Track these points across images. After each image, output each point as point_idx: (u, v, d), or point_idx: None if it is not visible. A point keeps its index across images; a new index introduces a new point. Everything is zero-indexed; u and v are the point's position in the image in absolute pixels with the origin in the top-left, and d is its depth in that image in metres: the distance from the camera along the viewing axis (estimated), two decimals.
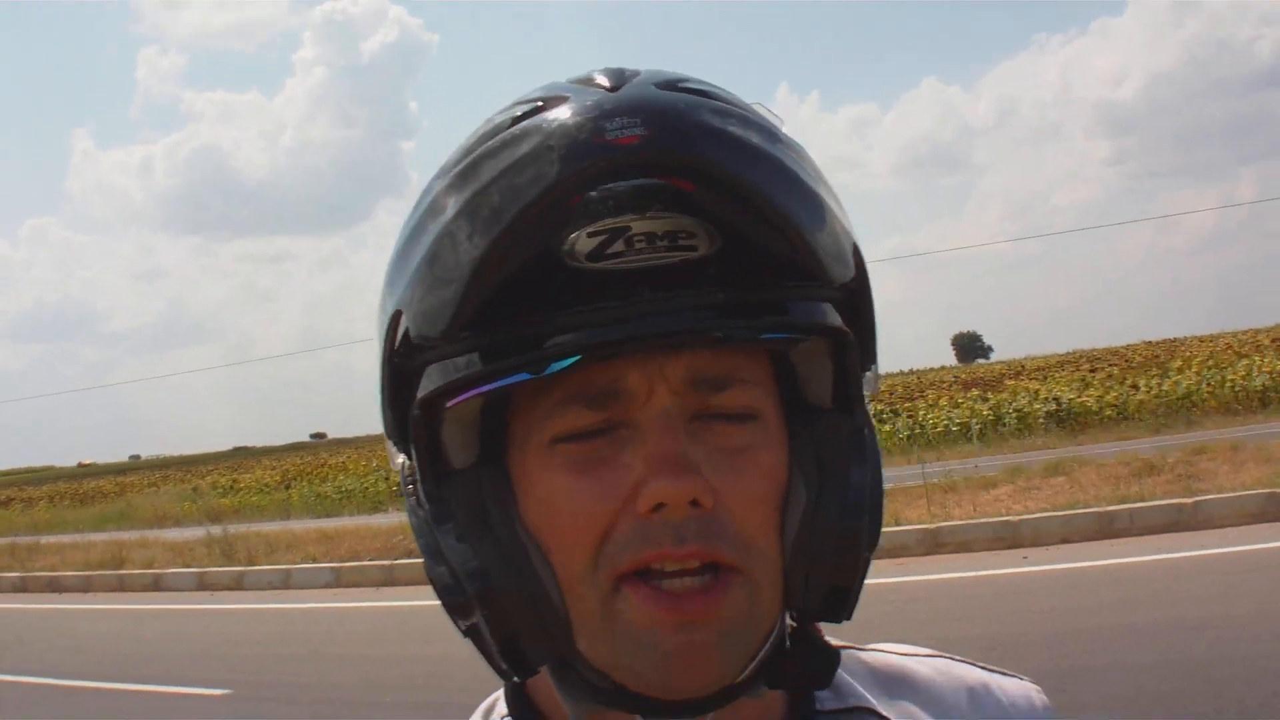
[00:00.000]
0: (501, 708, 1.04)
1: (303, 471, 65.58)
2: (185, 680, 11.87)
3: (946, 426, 35.02)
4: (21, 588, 23.44)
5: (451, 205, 0.87)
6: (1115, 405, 33.16)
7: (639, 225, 0.84)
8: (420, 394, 0.89)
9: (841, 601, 0.92)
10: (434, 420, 0.90)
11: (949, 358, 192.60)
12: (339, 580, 18.71)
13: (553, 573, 0.88)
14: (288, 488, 50.47)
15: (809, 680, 0.96)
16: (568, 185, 0.83)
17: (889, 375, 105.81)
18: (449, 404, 0.89)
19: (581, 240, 0.84)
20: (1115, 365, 50.30)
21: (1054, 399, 35.36)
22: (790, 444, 0.92)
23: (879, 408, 44.10)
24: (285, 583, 19.36)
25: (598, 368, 0.86)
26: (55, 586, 22.82)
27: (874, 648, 1.11)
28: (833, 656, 0.97)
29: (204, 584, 20.41)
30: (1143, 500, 14.69)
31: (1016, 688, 1.10)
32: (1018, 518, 14.96)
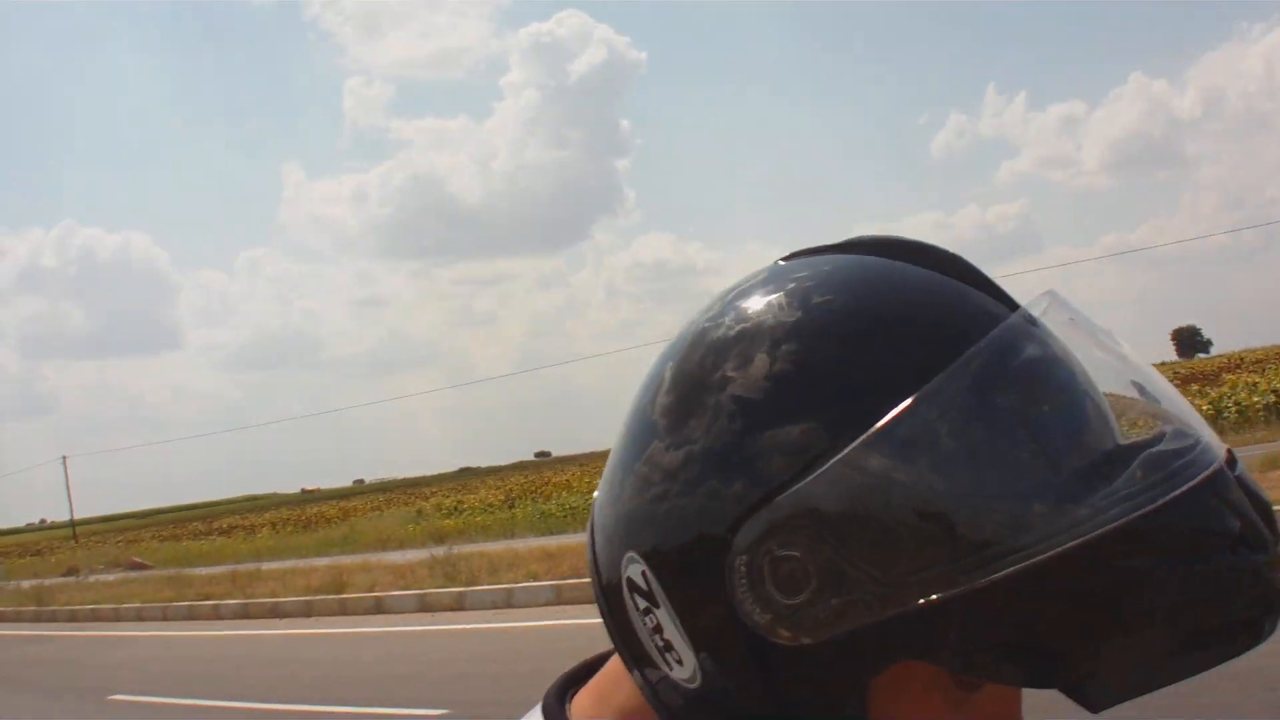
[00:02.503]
0: None
1: (527, 490, 66.72)
2: (402, 702, 12.21)
3: None
4: (243, 614, 24.23)
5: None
6: None
7: None
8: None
9: None
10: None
11: (1169, 353, 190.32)
12: (560, 598, 18.88)
13: None
14: (512, 507, 51.35)
15: None
16: (1247, 644, 0.76)
17: None
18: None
19: (1266, 628, 0.77)
20: None
21: (1274, 391, 34.83)
22: None
23: None
24: (507, 602, 19.61)
25: None
26: (277, 612, 23.50)
27: None
28: None
29: (425, 605, 20.81)
30: None
31: None
32: None
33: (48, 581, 40.40)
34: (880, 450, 0.76)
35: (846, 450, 0.76)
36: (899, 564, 0.74)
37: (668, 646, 0.84)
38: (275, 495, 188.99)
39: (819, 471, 0.76)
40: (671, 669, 0.85)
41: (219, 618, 24.64)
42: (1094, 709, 0.76)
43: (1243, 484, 0.76)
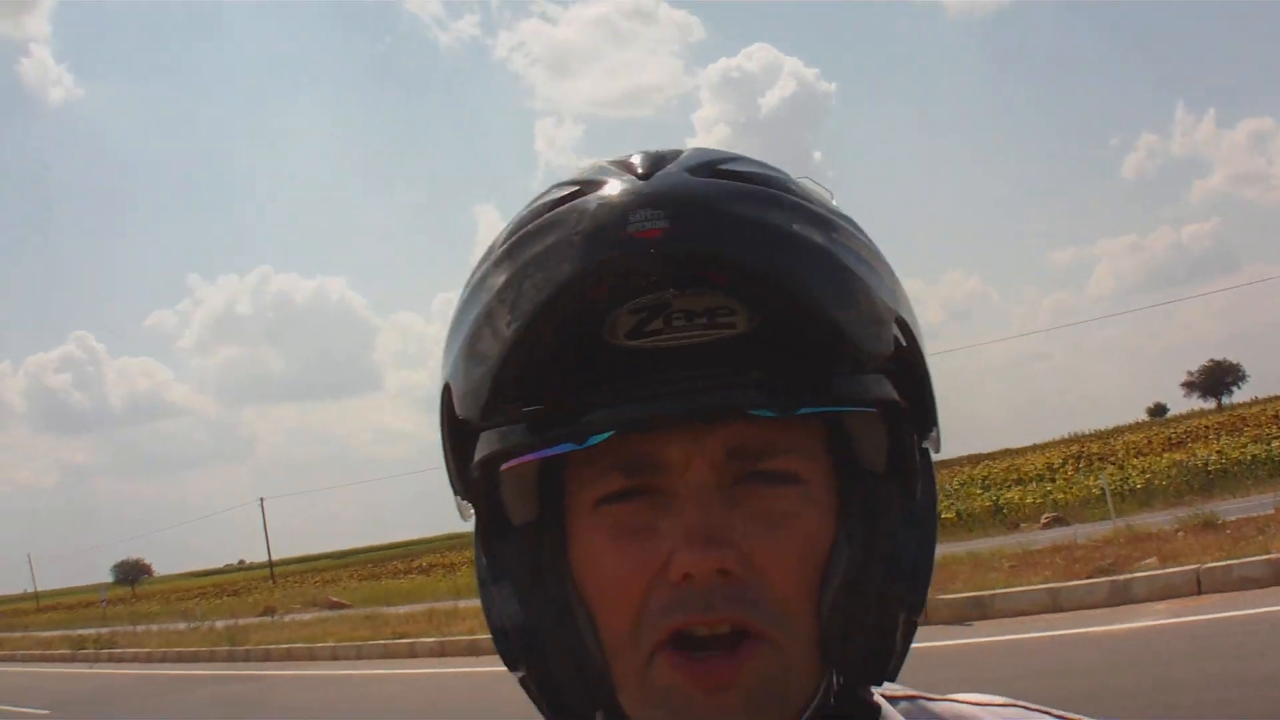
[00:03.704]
0: None
1: None
2: None
3: None
4: (440, 652, 24.46)
5: (490, 288, 0.95)
6: None
7: (679, 303, 0.92)
8: (476, 457, 0.97)
9: (879, 664, 0.97)
10: (493, 480, 0.99)
11: None
12: None
13: (596, 632, 0.95)
14: None
15: None
16: (591, 277, 0.89)
17: None
18: (503, 467, 0.97)
19: (623, 319, 0.92)
20: None
21: None
22: (840, 509, 0.97)
23: (1276, 430, 42.30)
24: None
25: (638, 439, 0.93)
26: (473, 650, 23.55)
27: (944, 698, 1.14)
28: (872, 712, 1.04)
29: None
30: None
31: None
32: None
33: (243, 621, 41.24)
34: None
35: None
36: None
37: None
38: None
39: None
40: None
41: (415, 655, 24.90)
42: None
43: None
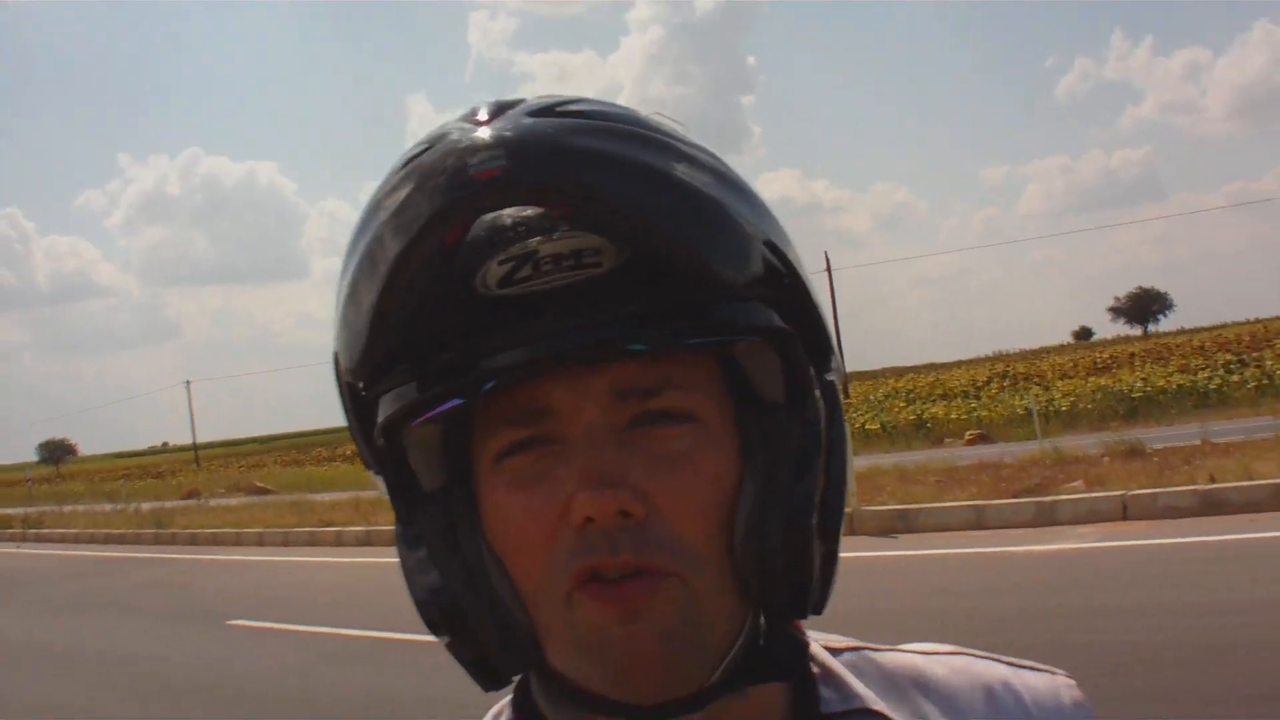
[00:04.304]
0: (508, 712, 1.11)
1: None
2: None
3: None
4: (367, 542, 24.48)
5: (355, 253, 0.95)
6: None
7: (546, 248, 0.93)
8: (378, 423, 0.97)
9: (800, 598, 0.96)
10: (398, 447, 0.99)
11: None
12: None
13: (513, 588, 0.95)
14: None
15: (777, 672, 1.01)
16: (438, 221, 0.89)
17: (1237, 325, 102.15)
18: (406, 428, 0.97)
19: (492, 269, 0.93)
20: None
21: None
22: (741, 445, 0.97)
23: (1227, 358, 42.90)
24: None
25: (526, 388, 0.93)
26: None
27: (890, 648, 1.15)
28: (799, 647, 1.05)
29: None
30: None
31: (1044, 684, 1.12)
32: None
33: (168, 504, 41.18)
34: None
35: None
36: None
37: None
38: None
39: None
40: None
41: (342, 544, 25.00)
42: None
43: None
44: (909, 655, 1.14)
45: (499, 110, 0.93)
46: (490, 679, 0.99)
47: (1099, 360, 65.23)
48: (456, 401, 0.93)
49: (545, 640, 0.96)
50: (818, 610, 0.98)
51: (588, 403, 0.93)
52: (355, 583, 19.09)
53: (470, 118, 0.94)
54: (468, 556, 0.97)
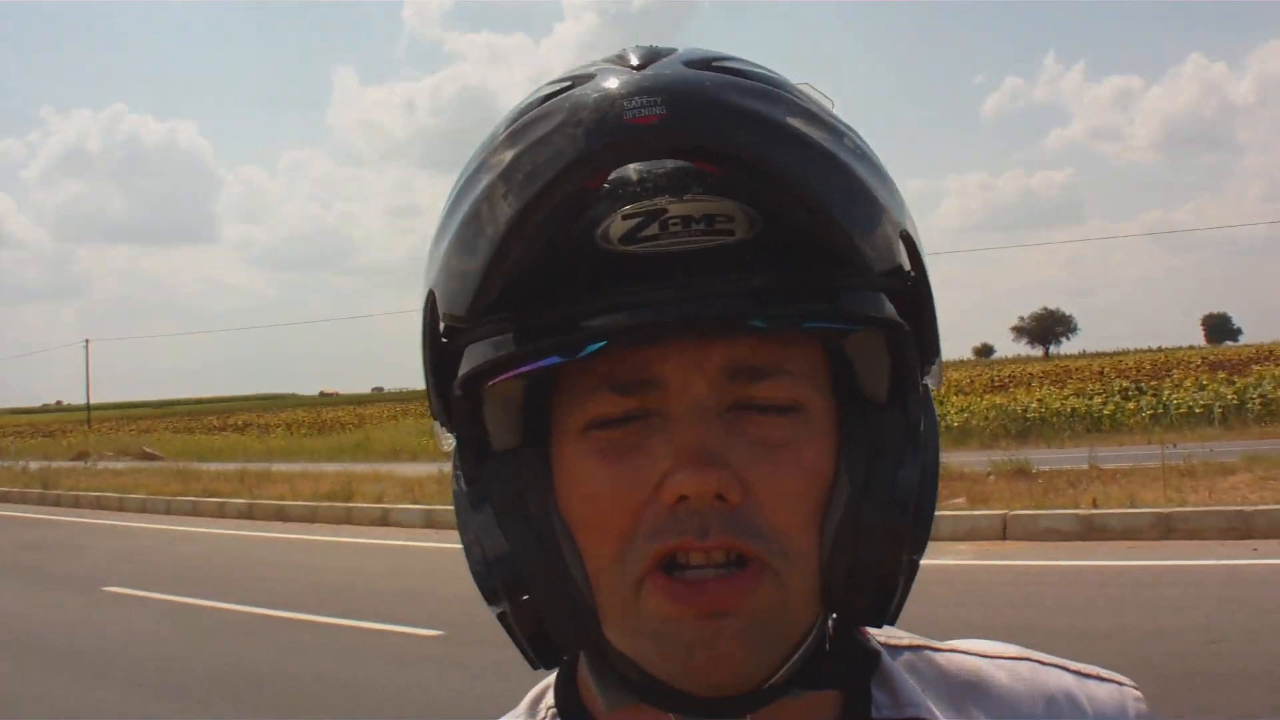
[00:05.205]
0: (549, 698, 1.07)
1: None
2: (401, 619, 12.20)
3: (1190, 408, 34.56)
4: (248, 515, 24.47)
5: (476, 185, 0.90)
6: None
7: (676, 208, 0.88)
8: (460, 373, 0.92)
9: (882, 604, 0.93)
10: (476, 400, 0.94)
11: (1198, 337, 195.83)
12: None
13: (581, 563, 0.91)
14: None
15: (840, 681, 0.99)
16: (585, 164, 0.84)
17: (1138, 352, 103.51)
18: (488, 384, 0.92)
19: (616, 223, 0.88)
20: None
21: None
22: (841, 439, 0.93)
23: (1125, 384, 43.46)
24: None
25: (633, 354, 0.89)
26: (282, 516, 23.72)
27: (953, 647, 1.12)
28: (870, 658, 1.02)
29: (432, 522, 20.79)
30: None
31: (1108, 695, 1.09)
32: (1252, 508, 14.85)
33: (55, 464, 40.63)
34: None
35: None
36: None
37: None
38: (294, 396, 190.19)
39: None
40: None
41: (224, 516, 24.88)
42: None
43: None
44: (971, 658, 1.11)
45: (654, 56, 0.90)
46: (545, 656, 0.94)
47: (997, 378, 65.75)
48: (555, 360, 0.87)
49: (606, 620, 0.91)
50: (891, 620, 0.95)
51: (699, 377, 0.89)
52: (234, 556, 18.99)
53: (620, 60, 0.91)
54: (535, 521, 0.92)
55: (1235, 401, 34.25)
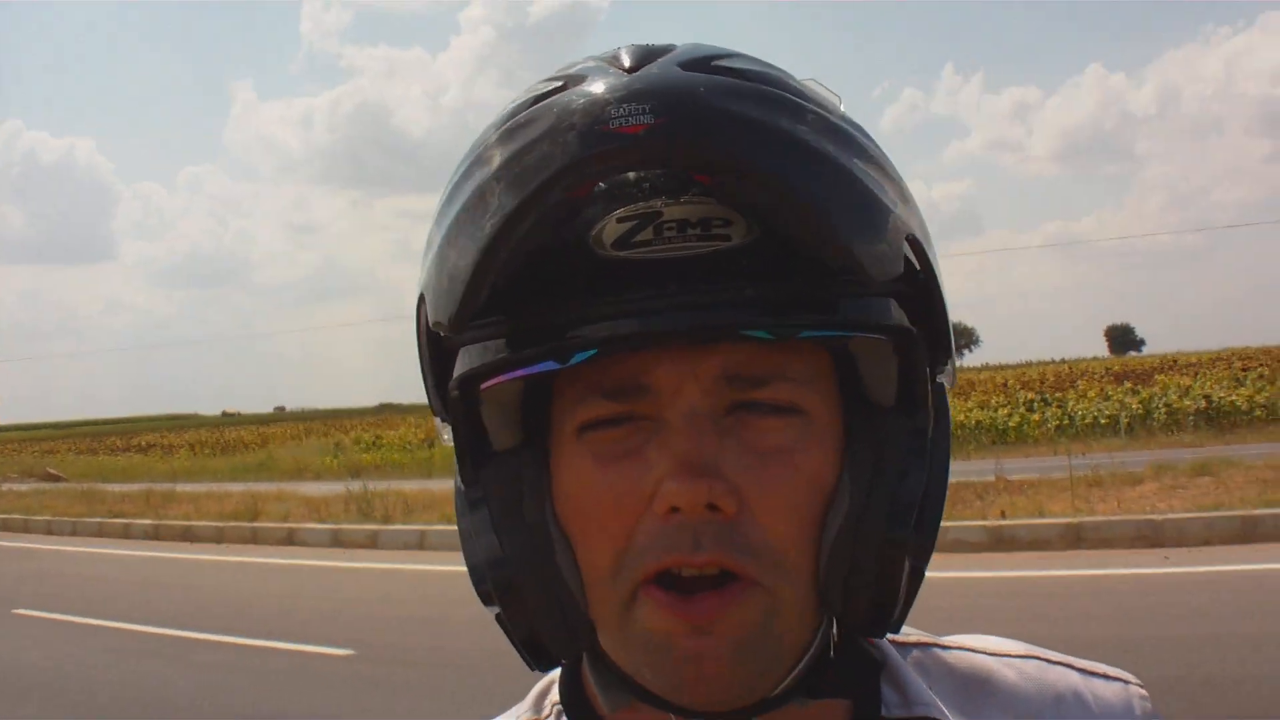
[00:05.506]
0: (555, 694, 1.07)
1: None
2: (309, 638, 12.21)
3: (1095, 419, 34.60)
4: (154, 535, 24.22)
5: (465, 188, 0.88)
6: (1266, 406, 32.42)
7: (671, 210, 0.86)
8: (455, 374, 0.92)
9: (883, 615, 0.92)
10: (473, 401, 0.92)
11: (1101, 348, 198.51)
12: None
13: (577, 572, 0.91)
14: (431, 446, 50.98)
15: (844, 690, 0.98)
16: (569, 173, 0.82)
17: (1042, 364, 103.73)
18: (483, 386, 0.91)
19: (610, 226, 0.86)
20: (1268, 365, 48.83)
21: (1204, 396, 34.64)
22: (844, 445, 0.92)
23: (1030, 396, 43.51)
24: (420, 543, 19.54)
25: (627, 360, 0.88)
26: (188, 536, 23.50)
27: (960, 644, 1.11)
28: (872, 665, 1.01)
29: (338, 541, 20.76)
30: None
31: (1115, 694, 1.09)
32: (1161, 517, 15.03)
33: None
34: None
35: None
36: None
37: None
38: (196, 416, 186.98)
39: None
40: None
41: (129, 537, 24.65)
42: None
43: None
44: (980, 656, 1.10)
45: (646, 57, 0.87)
46: (540, 659, 0.94)
47: None
48: (551, 365, 0.86)
49: (600, 626, 0.91)
50: (895, 629, 0.94)
51: (692, 385, 0.87)
52: (142, 577, 18.87)
53: (612, 60, 0.88)
54: (531, 524, 0.91)
55: (1141, 412, 34.43)
